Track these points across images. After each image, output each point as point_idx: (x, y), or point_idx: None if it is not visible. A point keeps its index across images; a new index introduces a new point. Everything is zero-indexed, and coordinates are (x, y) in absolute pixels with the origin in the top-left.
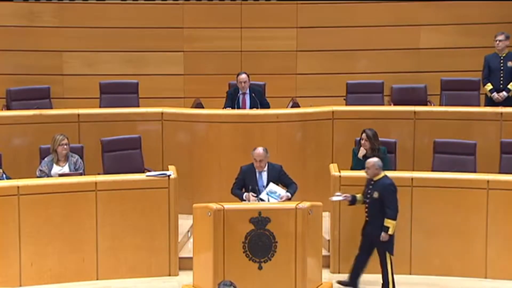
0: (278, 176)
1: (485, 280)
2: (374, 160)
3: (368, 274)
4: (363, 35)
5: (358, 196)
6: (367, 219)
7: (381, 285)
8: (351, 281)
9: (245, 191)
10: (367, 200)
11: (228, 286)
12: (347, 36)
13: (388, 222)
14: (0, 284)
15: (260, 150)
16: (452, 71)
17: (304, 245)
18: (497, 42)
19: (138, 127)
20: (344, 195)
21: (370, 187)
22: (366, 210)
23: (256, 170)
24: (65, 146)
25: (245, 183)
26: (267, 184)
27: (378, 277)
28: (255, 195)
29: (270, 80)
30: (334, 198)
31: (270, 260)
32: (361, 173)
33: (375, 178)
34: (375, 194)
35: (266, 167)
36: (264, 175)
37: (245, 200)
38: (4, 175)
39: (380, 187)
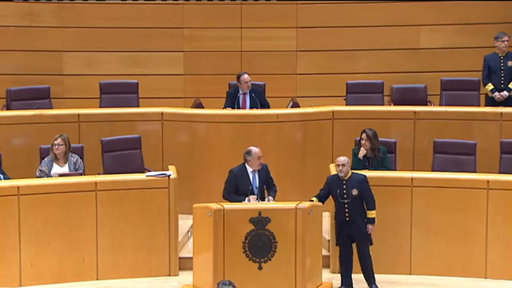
0: (265, 175)
1: (485, 280)
2: (345, 158)
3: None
4: (363, 35)
5: (314, 199)
6: (347, 219)
7: (368, 280)
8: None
9: (241, 194)
10: (345, 200)
11: (227, 285)
12: (347, 36)
13: (372, 213)
14: (0, 284)
15: (257, 148)
16: (452, 71)
17: (304, 245)
18: (505, 42)
19: (138, 127)
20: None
21: (344, 186)
22: (346, 210)
23: (249, 171)
24: (56, 147)
25: (238, 186)
26: (260, 184)
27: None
28: (256, 197)
29: (270, 80)
30: (301, 205)
31: (270, 260)
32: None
33: (347, 177)
34: (354, 192)
35: None
36: (257, 174)
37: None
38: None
39: (357, 183)
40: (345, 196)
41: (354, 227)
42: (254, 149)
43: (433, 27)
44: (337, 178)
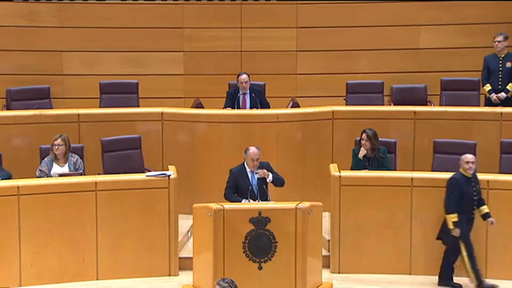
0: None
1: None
2: (473, 155)
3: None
4: (363, 35)
5: (454, 216)
6: (472, 216)
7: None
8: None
9: (238, 194)
10: (475, 197)
11: (225, 282)
12: (347, 36)
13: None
14: (0, 284)
15: (255, 149)
16: (452, 71)
17: (304, 245)
18: (496, 43)
19: (138, 127)
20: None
21: (473, 184)
22: (475, 207)
23: (247, 171)
24: (56, 147)
25: (238, 185)
26: (258, 184)
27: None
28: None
29: (270, 80)
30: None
31: (270, 260)
32: (361, 173)
33: (471, 174)
34: (479, 188)
35: None
36: (255, 174)
37: None
38: None
39: (477, 179)
40: (475, 193)
41: (473, 223)
42: (251, 150)
43: (433, 27)
44: (464, 177)
